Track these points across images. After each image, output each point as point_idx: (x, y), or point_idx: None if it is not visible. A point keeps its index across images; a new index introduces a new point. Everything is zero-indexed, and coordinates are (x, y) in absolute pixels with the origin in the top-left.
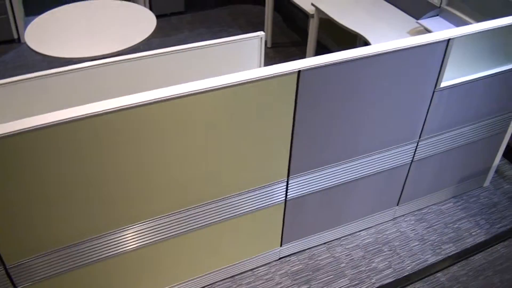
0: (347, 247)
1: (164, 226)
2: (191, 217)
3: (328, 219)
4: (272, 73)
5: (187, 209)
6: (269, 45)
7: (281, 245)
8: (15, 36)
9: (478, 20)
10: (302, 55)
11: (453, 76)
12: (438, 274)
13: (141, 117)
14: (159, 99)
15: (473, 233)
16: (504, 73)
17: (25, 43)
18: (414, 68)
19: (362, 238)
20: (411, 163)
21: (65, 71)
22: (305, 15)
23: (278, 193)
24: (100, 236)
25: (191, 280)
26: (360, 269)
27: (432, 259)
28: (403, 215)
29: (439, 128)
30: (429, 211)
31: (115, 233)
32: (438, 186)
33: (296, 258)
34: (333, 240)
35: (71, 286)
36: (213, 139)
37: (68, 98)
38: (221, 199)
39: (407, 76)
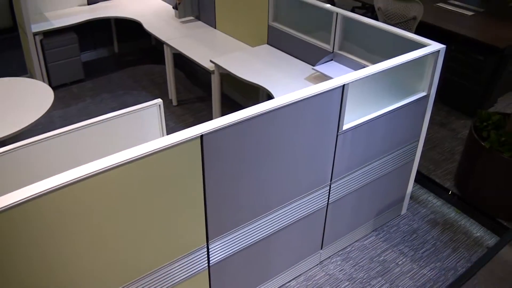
0: None
1: None
2: None
3: (256, 276)
4: (175, 141)
5: None
6: (174, 103)
7: None
8: None
9: (369, 60)
10: (209, 109)
11: (354, 117)
12: None
13: (45, 207)
14: (57, 187)
15: (399, 263)
16: (403, 107)
17: None
18: (315, 116)
19: None
20: (327, 206)
21: None
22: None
23: (199, 260)
24: None
25: None
26: None
27: None
28: (329, 257)
29: (348, 168)
30: (353, 248)
31: None
32: (358, 222)
33: None
34: None
35: None
36: (125, 217)
37: None
38: (142, 277)
39: (310, 124)
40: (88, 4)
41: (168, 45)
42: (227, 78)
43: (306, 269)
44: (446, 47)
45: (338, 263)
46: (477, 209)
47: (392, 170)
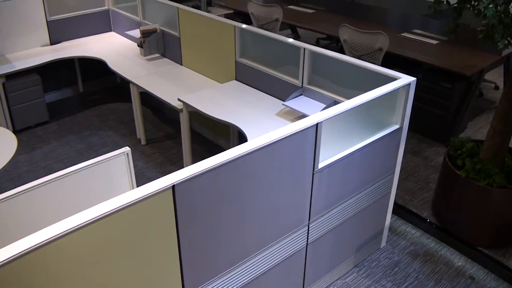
0: None
1: None
2: None
3: None
4: (146, 193)
5: None
6: (143, 142)
7: None
8: None
9: (339, 93)
10: (179, 147)
11: (329, 155)
12: None
13: (13, 273)
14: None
15: None
16: (377, 141)
17: None
18: (290, 156)
19: None
20: (306, 246)
21: None
22: None
23: None
24: None
25: None
26: None
27: None
28: None
29: (326, 206)
30: (335, 287)
31: None
32: (338, 260)
33: None
34: None
35: None
36: (96, 274)
37: None
38: None
39: (285, 165)
40: (51, 44)
41: (134, 83)
42: (196, 114)
43: None
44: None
45: None
46: (456, 238)
47: (369, 204)
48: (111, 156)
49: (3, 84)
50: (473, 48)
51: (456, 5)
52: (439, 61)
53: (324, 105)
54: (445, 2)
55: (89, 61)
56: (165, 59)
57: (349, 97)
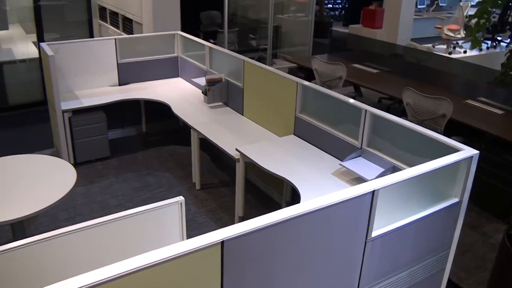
0: None
1: None
2: None
3: None
4: (194, 246)
5: None
6: (198, 187)
7: None
8: None
9: (398, 158)
10: (232, 195)
11: (383, 224)
12: None
13: None
14: None
15: None
16: (434, 214)
17: None
18: (343, 221)
19: None
20: None
21: None
22: None
23: None
24: None
25: None
26: None
27: None
28: None
29: (376, 277)
30: None
31: None
32: None
33: None
34: None
35: None
36: None
37: None
38: None
39: (337, 230)
40: (120, 85)
41: (195, 129)
42: (252, 165)
43: None
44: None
45: None
46: None
47: (421, 280)
48: (165, 204)
49: (70, 118)
50: None
51: None
52: (504, 133)
53: (382, 169)
54: None
55: (154, 103)
56: (227, 108)
57: (408, 163)
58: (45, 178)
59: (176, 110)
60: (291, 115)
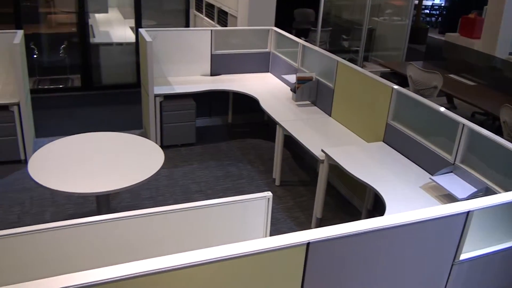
0: None
1: None
2: None
3: None
4: (281, 244)
5: None
6: (277, 183)
7: None
8: (22, 157)
9: (493, 179)
10: (310, 196)
11: (472, 247)
12: None
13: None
14: (160, 270)
15: None
16: None
17: None
18: (431, 240)
19: None
20: None
21: (67, 225)
22: None
23: None
24: None
25: None
26: None
27: None
28: None
29: None
30: None
31: None
32: None
33: None
34: None
35: None
36: None
37: (61, 258)
38: None
39: (424, 248)
40: (211, 75)
41: (281, 125)
42: (335, 168)
43: None
44: None
45: None
46: None
47: None
48: (252, 198)
49: (161, 103)
50: None
51: None
52: None
53: (475, 190)
54: None
55: (241, 96)
56: (315, 108)
57: (503, 186)
58: (135, 157)
59: (264, 104)
60: (382, 122)
